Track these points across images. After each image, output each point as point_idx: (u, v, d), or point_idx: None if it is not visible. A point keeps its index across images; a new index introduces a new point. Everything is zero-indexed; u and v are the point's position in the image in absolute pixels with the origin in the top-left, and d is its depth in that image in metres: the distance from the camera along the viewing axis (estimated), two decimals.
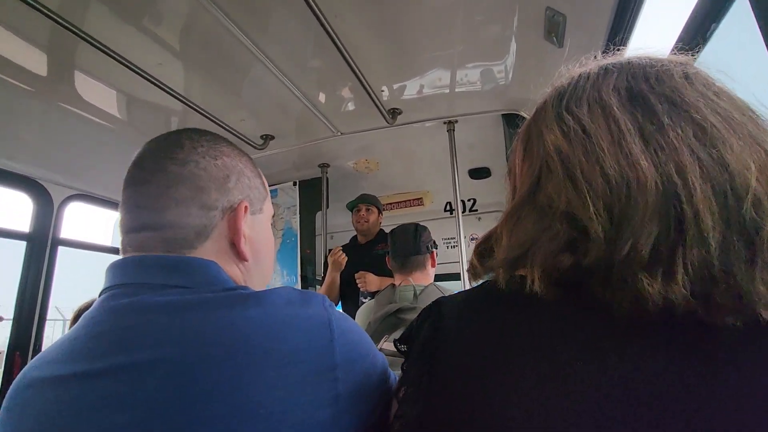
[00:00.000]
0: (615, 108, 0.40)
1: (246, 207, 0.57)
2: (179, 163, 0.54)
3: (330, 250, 2.62)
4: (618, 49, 0.50)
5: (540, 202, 0.41)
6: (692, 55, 0.45)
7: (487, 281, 0.47)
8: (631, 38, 1.12)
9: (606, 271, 0.34)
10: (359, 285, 2.34)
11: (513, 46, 1.65)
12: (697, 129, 0.36)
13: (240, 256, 0.57)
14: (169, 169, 0.53)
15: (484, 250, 0.49)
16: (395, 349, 0.57)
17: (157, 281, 0.49)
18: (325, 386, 0.44)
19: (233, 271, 0.56)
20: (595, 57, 0.50)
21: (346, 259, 2.43)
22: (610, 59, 0.47)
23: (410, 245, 1.55)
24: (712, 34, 0.91)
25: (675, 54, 0.45)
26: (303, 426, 0.41)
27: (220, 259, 0.54)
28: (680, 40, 0.99)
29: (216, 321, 0.43)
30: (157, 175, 0.53)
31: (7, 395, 0.48)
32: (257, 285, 0.60)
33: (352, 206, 2.71)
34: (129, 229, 0.54)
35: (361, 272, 2.37)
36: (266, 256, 0.63)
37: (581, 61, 0.50)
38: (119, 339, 0.44)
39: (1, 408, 0.47)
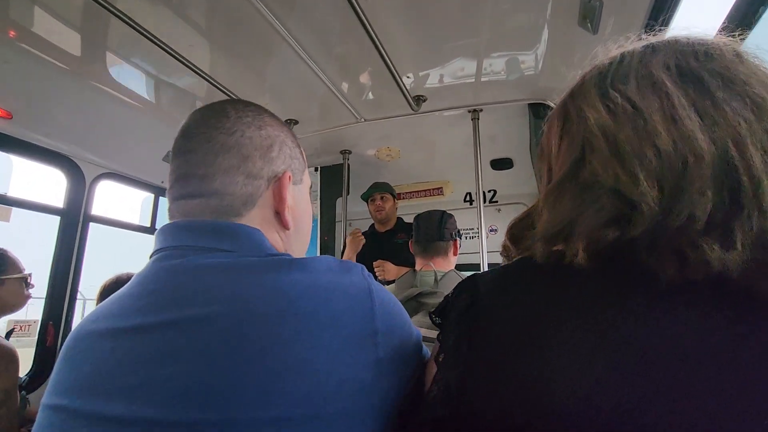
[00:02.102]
0: (666, 83, 0.39)
1: (290, 177, 0.59)
2: (225, 132, 0.55)
3: (350, 233, 2.65)
4: (656, 35, 0.49)
5: (584, 179, 0.41)
6: (739, 39, 0.44)
7: (522, 257, 0.47)
8: (671, 24, 1.08)
9: (653, 240, 0.35)
10: (377, 274, 2.36)
11: (545, 34, 1.62)
12: (752, 103, 0.36)
13: (283, 224, 0.58)
14: (215, 138, 0.55)
15: (519, 230, 0.49)
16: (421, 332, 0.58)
17: (205, 245, 0.51)
18: (366, 350, 0.45)
19: (275, 239, 0.58)
20: (636, 38, 0.49)
21: (364, 241, 2.45)
22: (654, 38, 0.46)
23: (434, 230, 1.56)
24: (759, 17, 0.88)
25: (720, 36, 0.44)
26: (346, 385, 0.42)
27: (263, 227, 0.56)
28: (724, 28, 0.96)
29: (263, 283, 0.45)
30: (204, 145, 0.55)
31: (63, 346, 0.51)
32: (296, 252, 0.62)
33: (367, 196, 2.73)
34: (177, 196, 0.56)
35: (379, 261, 2.38)
36: (305, 225, 0.66)
37: (619, 42, 0.49)
38: (172, 296, 0.46)
39: (58, 358, 0.50)
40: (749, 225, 0.32)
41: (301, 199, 0.64)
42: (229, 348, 0.41)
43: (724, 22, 0.94)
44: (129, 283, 0.52)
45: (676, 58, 0.41)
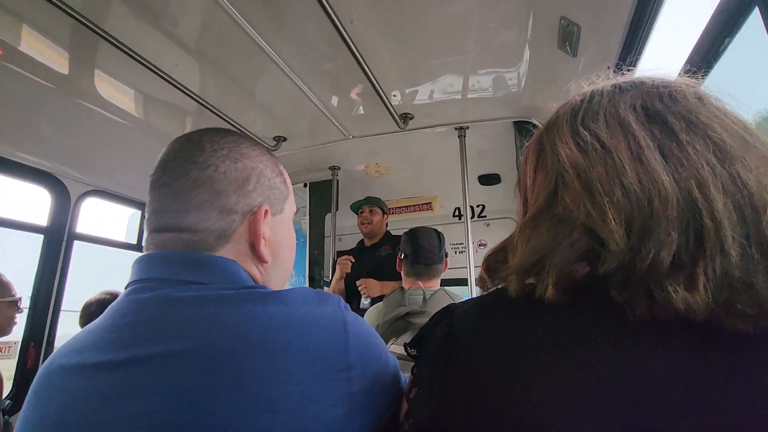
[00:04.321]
0: (633, 124, 0.41)
1: (266, 211, 0.58)
2: (199, 166, 0.55)
3: (338, 254, 2.64)
4: (629, 68, 0.52)
5: (557, 213, 0.42)
6: (702, 76, 0.47)
7: (497, 288, 0.48)
8: (645, 48, 1.12)
9: (625, 278, 0.36)
10: (361, 291, 2.34)
11: (526, 54, 1.66)
12: (714, 147, 0.37)
13: (260, 258, 0.58)
14: (189, 173, 0.54)
15: (493, 262, 0.50)
16: (404, 353, 0.58)
17: (180, 277, 0.51)
18: (339, 384, 0.45)
19: (253, 271, 0.57)
20: (607, 72, 0.52)
21: (349, 267, 2.44)
22: (622, 78, 0.48)
23: (436, 253, 1.55)
24: (725, 48, 0.91)
25: (684, 75, 0.47)
26: (318, 421, 0.42)
27: (240, 260, 0.55)
28: (694, 53, 1.00)
29: (237, 315, 0.45)
30: (179, 179, 0.54)
31: (34, 380, 0.50)
32: (276, 285, 0.61)
33: (356, 208, 2.72)
34: (152, 229, 0.55)
35: (361, 279, 2.36)
36: (286, 255, 0.65)
37: (591, 80, 0.51)
38: (144, 330, 0.46)
39: (29, 392, 0.49)
40: (713, 267, 0.33)
41: (281, 229, 0.63)
42: (199, 384, 0.40)
43: (692, 51, 0.98)
44: (103, 314, 0.52)
45: (642, 99, 0.43)
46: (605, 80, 0.50)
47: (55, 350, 0.52)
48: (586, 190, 0.40)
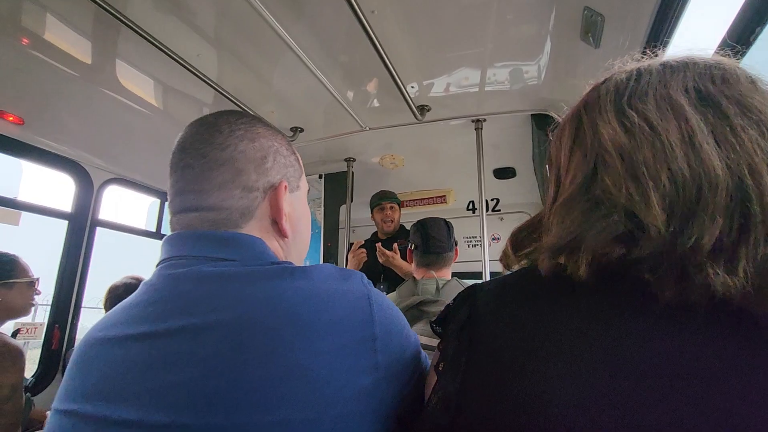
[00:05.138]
0: (686, 106, 0.40)
1: (285, 186, 0.60)
2: (218, 147, 0.57)
3: (351, 245, 2.64)
4: (655, 54, 0.50)
5: (595, 194, 0.42)
6: (737, 59, 0.45)
7: (521, 269, 0.48)
8: (671, 40, 1.10)
9: (659, 261, 0.36)
10: (382, 260, 2.28)
11: (547, 46, 1.64)
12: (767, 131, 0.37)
13: (281, 233, 0.60)
14: (209, 155, 0.56)
15: (522, 239, 0.50)
16: (419, 338, 0.59)
17: (209, 254, 0.52)
18: (365, 355, 0.47)
19: (275, 247, 0.59)
20: (646, 54, 0.50)
21: (365, 257, 2.42)
22: (671, 56, 0.46)
23: (446, 242, 1.56)
24: (756, 37, 0.89)
25: (719, 55, 0.45)
26: (345, 390, 0.44)
27: (263, 236, 0.57)
28: (723, 44, 0.97)
29: (266, 291, 0.47)
30: (199, 161, 0.56)
31: (73, 353, 0.53)
32: (295, 260, 0.64)
33: (375, 204, 2.71)
34: (177, 210, 0.57)
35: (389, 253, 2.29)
36: (304, 230, 0.67)
37: (636, 57, 0.50)
38: (178, 304, 0.48)
39: (69, 365, 0.52)
40: (755, 252, 0.33)
41: (299, 205, 0.65)
42: (232, 354, 0.42)
43: (722, 41, 0.96)
44: (137, 291, 0.54)
45: (694, 81, 0.41)
46: (653, 59, 0.47)
47: (92, 326, 0.54)
48: (630, 173, 0.39)
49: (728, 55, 0.45)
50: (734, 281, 0.32)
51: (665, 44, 1.10)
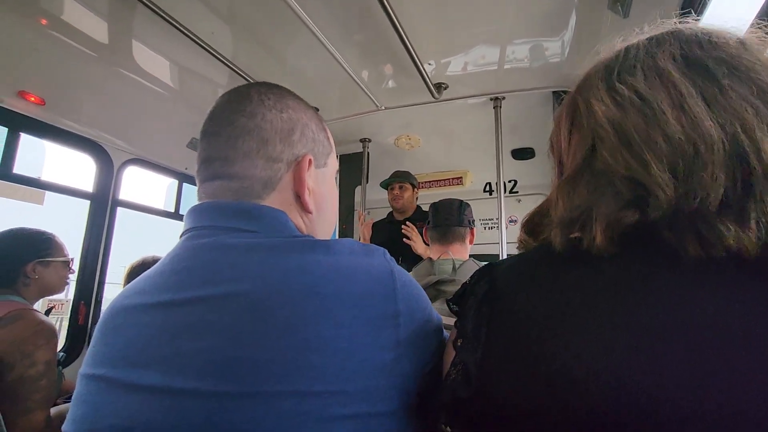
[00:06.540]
0: (674, 73, 0.41)
1: (310, 160, 0.59)
2: (247, 115, 0.56)
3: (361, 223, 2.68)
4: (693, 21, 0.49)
5: (597, 168, 0.43)
6: None
7: (538, 245, 0.48)
8: (706, 9, 1.03)
9: (674, 221, 0.36)
10: (404, 232, 2.35)
11: (572, 20, 1.57)
12: (758, 90, 0.37)
13: (305, 208, 0.59)
14: (237, 122, 0.56)
15: (534, 223, 0.50)
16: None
17: (231, 225, 0.52)
18: (388, 330, 0.46)
19: (298, 221, 0.59)
20: (642, 29, 0.50)
21: (370, 228, 2.53)
22: (657, 30, 0.47)
23: (453, 216, 1.56)
24: None
25: (754, 28, 0.44)
26: (367, 364, 0.44)
27: (286, 209, 0.57)
28: (761, 13, 0.91)
29: (287, 263, 0.47)
30: (226, 128, 0.56)
31: (100, 320, 0.54)
32: (321, 235, 0.63)
33: (386, 185, 2.74)
34: (203, 178, 0.57)
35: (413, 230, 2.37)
36: (329, 208, 0.66)
37: (624, 37, 0.50)
38: (201, 273, 0.48)
39: (95, 332, 0.53)
40: (762, 207, 0.34)
41: (324, 182, 0.64)
42: (254, 324, 0.42)
43: (761, 10, 0.90)
44: (160, 261, 0.54)
45: (681, 48, 0.42)
46: (639, 35, 0.48)
47: (117, 294, 0.55)
48: (624, 141, 0.40)
49: (763, 26, 0.44)
50: (748, 234, 0.33)
51: (701, 11, 1.03)
